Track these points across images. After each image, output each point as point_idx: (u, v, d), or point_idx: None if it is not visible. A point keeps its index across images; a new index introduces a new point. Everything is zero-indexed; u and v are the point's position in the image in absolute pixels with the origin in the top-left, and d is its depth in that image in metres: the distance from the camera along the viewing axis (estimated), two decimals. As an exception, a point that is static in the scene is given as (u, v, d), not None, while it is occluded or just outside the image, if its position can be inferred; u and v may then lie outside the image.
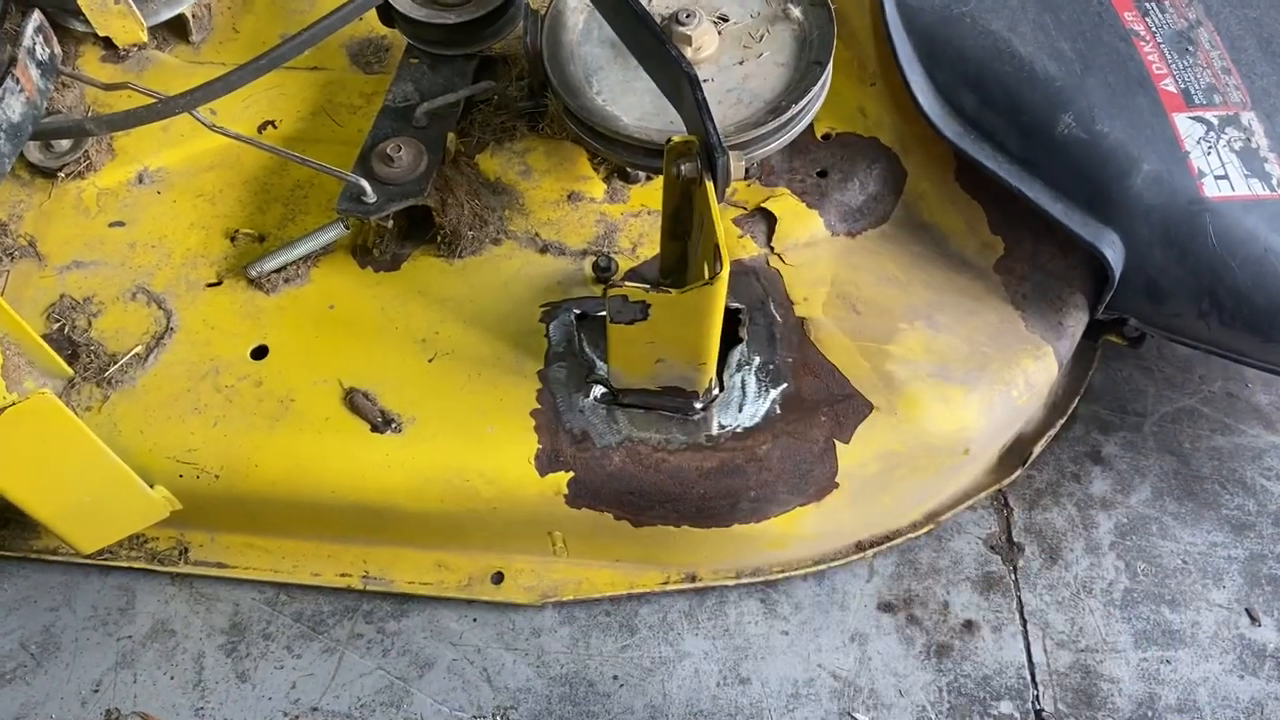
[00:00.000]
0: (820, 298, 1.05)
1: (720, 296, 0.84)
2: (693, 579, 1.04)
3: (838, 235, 1.11)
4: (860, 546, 1.05)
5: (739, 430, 0.97)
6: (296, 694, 1.00)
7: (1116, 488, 1.09)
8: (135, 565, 1.06)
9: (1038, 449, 1.10)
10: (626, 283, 0.85)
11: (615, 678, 0.99)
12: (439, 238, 1.08)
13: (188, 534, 1.08)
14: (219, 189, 1.14)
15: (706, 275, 0.83)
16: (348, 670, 1.01)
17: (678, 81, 0.91)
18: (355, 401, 0.99)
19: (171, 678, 1.01)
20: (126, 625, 1.04)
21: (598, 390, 0.99)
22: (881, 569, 1.05)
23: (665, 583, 1.04)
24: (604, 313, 1.02)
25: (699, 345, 0.90)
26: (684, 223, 0.95)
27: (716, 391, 0.98)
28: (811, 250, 1.09)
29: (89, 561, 1.05)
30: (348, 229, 1.06)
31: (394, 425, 0.98)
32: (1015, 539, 1.06)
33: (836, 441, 0.97)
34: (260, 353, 1.03)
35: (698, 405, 0.97)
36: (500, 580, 1.05)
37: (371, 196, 1.02)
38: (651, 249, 1.08)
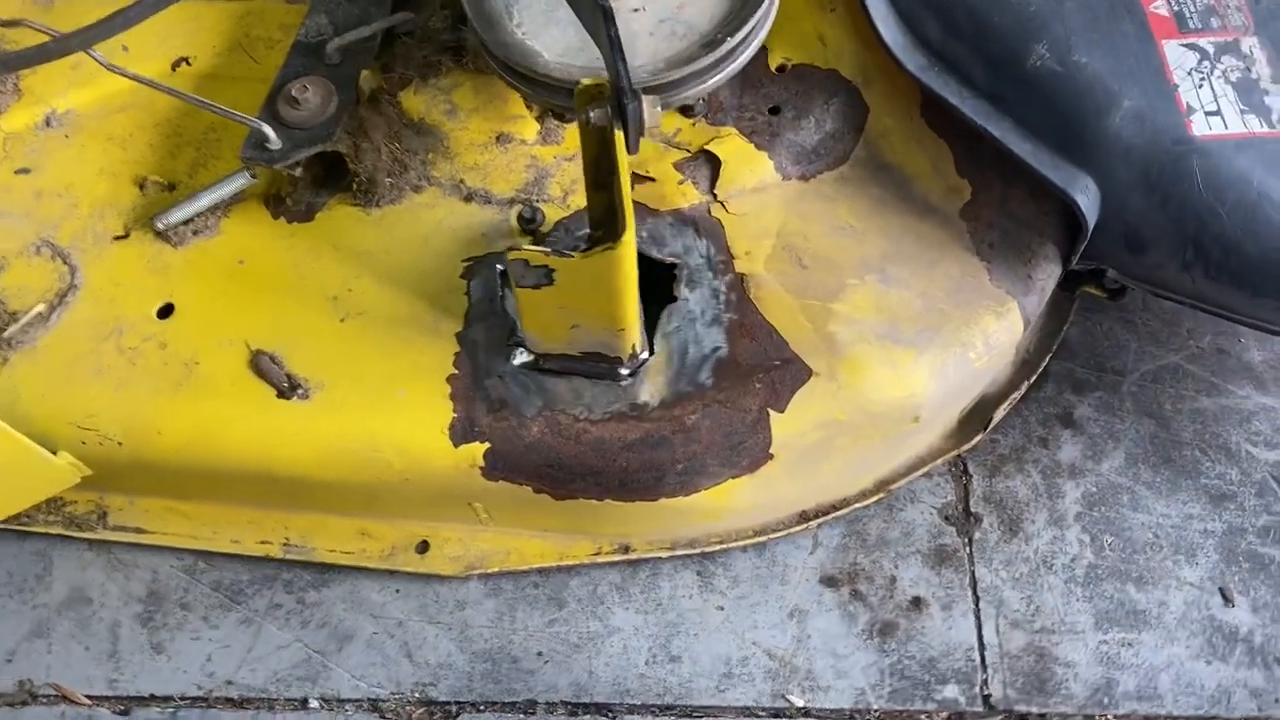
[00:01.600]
0: (764, 251, 0.97)
1: (626, 261, 0.77)
2: (625, 550, 0.98)
3: (789, 179, 1.02)
4: (804, 516, 0.99)
5: (667, 398, 0.90)
6: (212, 666, 0.96)
7: (1087, 454, 1.01)
8: (52, 531, 1.02)
9: (1001, 412, 1.01)
10: (525, 245, 0.78)
11: (540, 654, 0.95)
12: (354, 185, 1.00)
13: (107, 497, 1.03)
14: (130, 132, 1.07)
15: (613, 238, 0.75)
16: (265, 642, 0.97)
17: (593, 12, 0.82)
18: (261, 365, 0.93)
19: (87, 648, 0.98)
20: (43, 593, 1.00)
21: (519, 354, 0.92)
22: (826, 540, 0.98)
23: (597, 554, 0.98)
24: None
25: (613, 311, 0.82)
26: (605, 173, 0.87)
27: (646, 356, 0.91)
28: (759, 197, 1.01)
29: (5, 527, 1.01)
30: (254, 178, 0.99)
31: (300, 391, 0.92)
32: (973, 509, 0.99)
33: (771, 410, 0.89)
34: (166, 311, 0.97)
35: (624, 371, 0.90)
36: (425, 550, 0.99)
37: (276, 143, 0.95)
38: (583, 197, 0.99)
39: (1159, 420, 1.03)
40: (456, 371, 0.92)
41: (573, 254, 0.77)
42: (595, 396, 0.90)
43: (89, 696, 0.96)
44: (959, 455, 1.01)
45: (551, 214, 0.99)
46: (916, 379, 0.91)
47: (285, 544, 1.01)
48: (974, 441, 1.01)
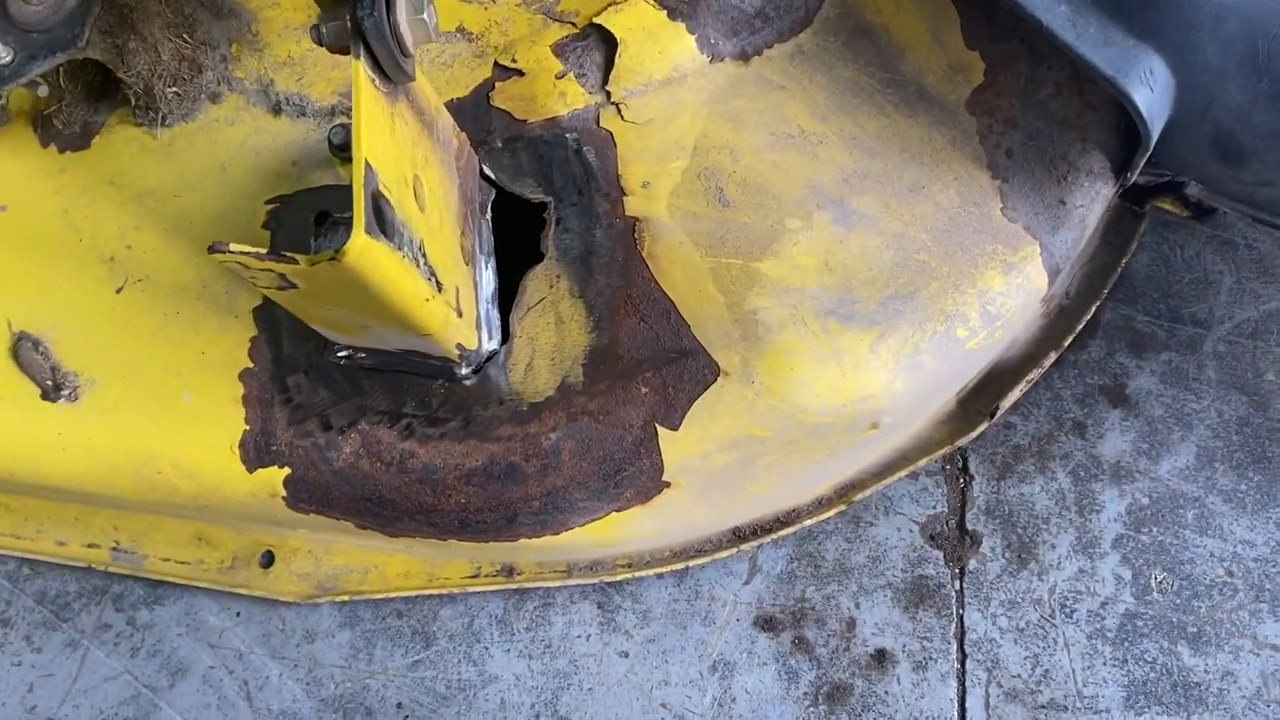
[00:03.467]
0: (670, 179, 0.68)
1: (374, 273, 0.51)
2: (510, 573, 0.76)
3: (720, 60, 0.71)
4: (738, 535, 0.74)
5: (520, 407, 0.65)
6: (34, 699, 0.81)
7: (1141, 446, 0.72)
8: None
9: (1015, 394, 0.72)
10: (233, 245, 0.52)
11: (399, 705, 0.75)
12: (132, 100, 0.75)
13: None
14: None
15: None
16: (91, 672, 0.81)
17: None
18: (22, 355, 0.72)
19: (-106, 670, 0.84)
20: None
21: (340, 346, 0.68)
22: (768, 565, 0.74)
23: (475, 576, 0.77)
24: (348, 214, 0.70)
25: (398, 318, 0.57)
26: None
27: (492, 346, 0.66)
28: (672, 94, 0.70)
29: None
30: (1, 101, 0.74)
31: (67, 391, 0.71)
32: (969, 526, 0.72)
33: (660, 427, 0.64)
34: (-82, 278, 0.76)
35: (462, 371, 0.65)
36: (270, 563, 0.80)
37: (4, 54, 0.69)
38: (429, 103, 0.72)
39: (1253, 397, 0.72)
40: (252, 364, 0.69)
41: (297, 259, 0.51)
42: (425, 403, 0.66)
43: (-105, 732, 0.82)
44: (957, 449, 0.73)
45: (383, 133, 0.72)
46: (873, 375, 0.63)
47: (114, 549, 0.83)
48: (977, 431, 0.72)
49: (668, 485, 0.66)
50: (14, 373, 0.73)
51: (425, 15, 0.51)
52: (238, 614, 0.80)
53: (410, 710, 0.75)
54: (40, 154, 0.77)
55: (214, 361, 0.70)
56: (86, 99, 0.77)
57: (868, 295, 0.64)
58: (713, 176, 0.68)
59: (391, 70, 0.52)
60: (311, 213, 0.70)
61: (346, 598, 0.77)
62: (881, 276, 0.65)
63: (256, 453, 0.68)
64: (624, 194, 0.68)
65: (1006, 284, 0.65)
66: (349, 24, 0.50)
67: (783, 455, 0.66)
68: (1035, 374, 0.72)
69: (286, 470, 0.68)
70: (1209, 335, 0.74)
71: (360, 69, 0.51)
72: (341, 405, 0.67)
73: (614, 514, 0.67)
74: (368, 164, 0.51)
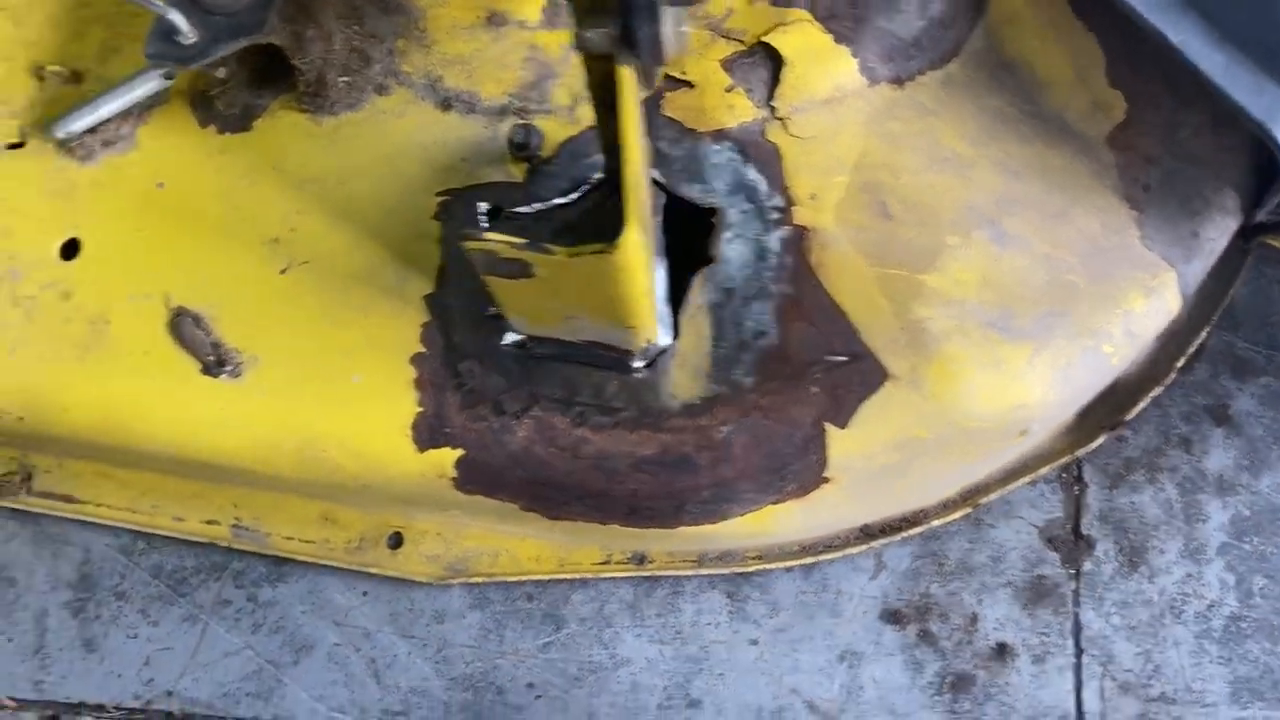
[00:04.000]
0: (836, 193, 0.72)
1: (631, 265, 0.54)
2: (641, 561, 0.79)
3: (877, 84, 0.76)
4: (866, 533, 0.78)
5: (693, 401, 0.69)
6: (150, 672, 0.82)
7: (1243, 462, 0.78)
8: (-32, 496, 0.87)
9: (1139, 407, 0.78)
10: (487, 231, 0.55)
11: (531, 685, 0.78)
12: (300, 86, 0.77)
13: (31, 455, 0.87)
14: (24, 1, 0.84)
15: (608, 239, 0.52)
16: (211, 646, 0.82)
17: None
18: (183, 330, 0.73)
19: (10, 639, 0.83)
20: (-40, 569, 0.86)
21: (510, 334, 0.70)
22: (893, 562, 0.78)
23: (605, 563, 0.80)
24: (527, 208, 0.73)
25: (618, 312, 0.60)
26: (607, 108, 0.63)
27: (667, 341, 0.69)
28: (833, 112, 0.75)
29: (-86, 488, 0.86)
30: (170, 79, 0.76)
31: (229, 367, 0.72)
32: (1084, 531, 0.78)
33: (829, 425, 0.68)
34: (71, 249, 0.77)
35: (637, 363, 0.69)
36: (398, 544, 0.82)
37: (190, 35, 0.71)
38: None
39: (1344, 421, 0.79)
40: (424, 350, 0.71)
41: (555, 250, 0.54)
42: (599, 393, 0.69)
43: (12, 699, 0.82)
44: (1075, 459, 0.79)
45: (554, 132, 0.75)
46: (1029, 385, 0.68)
47: (235, 525, 0.84)
48: (1097, 442, 0.78)
49: (826, 480, 0.69)
50: (171, 347, 0.74)
51: (684, 29, 0.55)
52: (364, 593, 0.82)
53: (542, 690, 0.78)
54: (199, 133, 0.79)
55: (384, 345, 0.72)
56: (250, 82, 0.78)
57: (1024, 310, 0.69)
58: (875, 192, 0.72)
59: (646, 79, 0.56)
60: (479, 209, 0.74)
61: (480, 579, 0.80)
62: (1035, 294, 0.69)
63: (430, 434, 0.70)
64: (792, 204, 0.72)
65: (1147, 306, 0.70)
66: (619, 33, 0.54)
67: (936, 457, 0.71)
68: (1157, 391, 0.77)
69: (460, 452, 0.70)
70: (1305, 363, 0.80)
71: (627, 74, 0.54)
72: (514, 392, 0.70)
73: (770, 506, 0.71)
74: (637, 162, 0.54)
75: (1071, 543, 0.77)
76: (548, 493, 0.70)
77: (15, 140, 0.80)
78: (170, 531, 0.85)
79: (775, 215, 0.71)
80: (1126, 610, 0.76)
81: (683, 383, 0.69)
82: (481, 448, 0.70)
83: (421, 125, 0.77)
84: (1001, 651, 0.75)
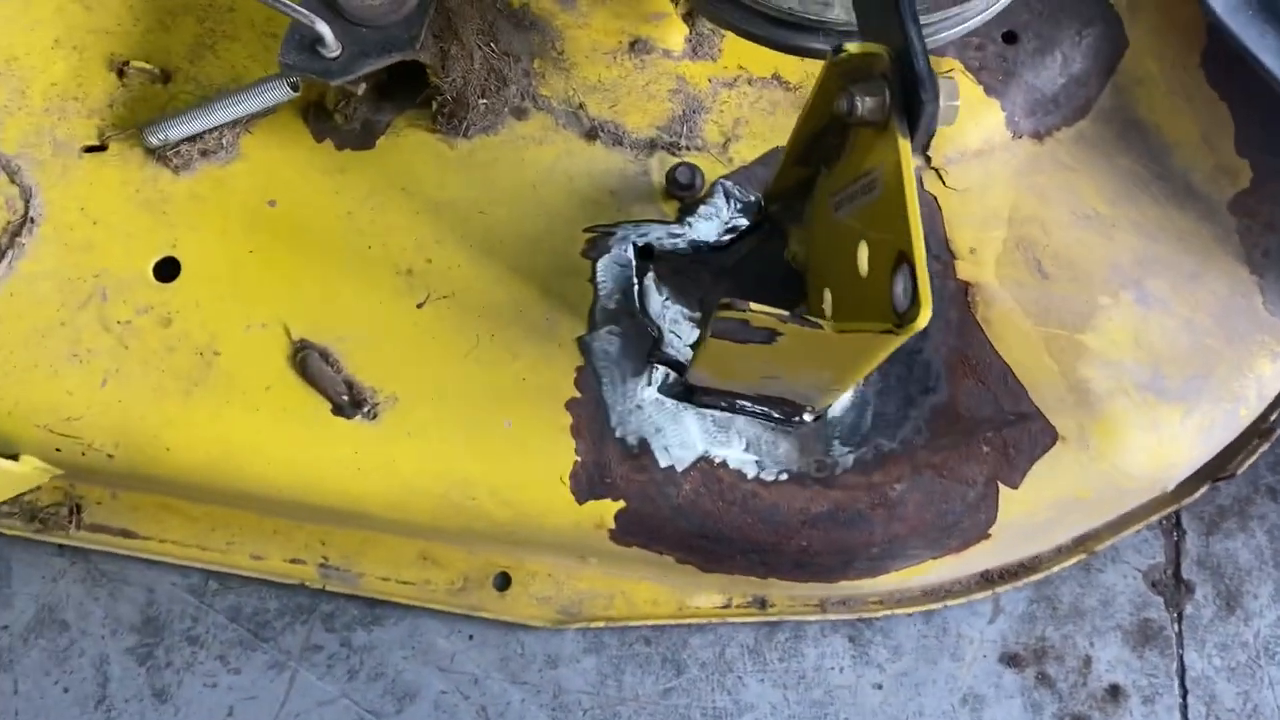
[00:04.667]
0: (994, 248, 0.73)
1: (897, 345, 0.52)
2: (762, 605, 0.78)
3: (1020, 138, 0.77)
4: (987, 579, 0.80)
5: (865, 457, 0.68)
6: (234, 724, 0.76)
7: (1323, 511, 0.84)
8: (8, 531, 0.78)
9: (1250, 462, 0.81)
10: (752, 305, 0.53)
11: (654, 733, 0.77)
12: (435, 106, 0.71)
13: (80, 486, 0.79)
14: (98, -16, 0.75)
15: (895, 313, 0.50)
16: (302, 695, 0.77)
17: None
18: (309, 366, 0.68)
19: (65, 689, 0.76)
20: (2, 611, 0.77)
21: (659, 372, 0.68)
22: (1010, 607, 0.80)
23: (726, 606, 0.79)
24: (681, 248, 0.71)
25: (839, 380, 0.59)
26: (826, 150, 0.61)
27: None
28: (983, 164, 0.75)
29: (-57, 522, 0.77)
30: (296, 91, 0.69)
31: (365, 408, 0.67)
32: (1184, 575, 0.81)
33: (1001, 485, 0.68)
34: (168, 270, 0.70)
35: (807, 418, 0.67)
36: (505, 585, 0.78)
37: (333, 46, 0.65)
38: (753, 146, 0.73)
39: None
40: (579, 395, 0.68)
41: (822, 325, 0.52)
42: (768, 447, 0.68)
43: (74, 756, 0.75)
44: (1181, 508, 0.82)
45: (708, 169, 0.72)
46: (1182, 446, 0.71)
47: (323, 565, 0.78)
48: (1200, 493, 0.81)
49: (988, 538, 0.70)
50: (297, 385, 0.68)
51: (956, 102, 0.53)
52: (470, 637, 0.78)
53: (666, 738, 0.76)
54: (314, 149, 0.72)
55: (537, 389, 0.68)
56: (374, 97, 0.72)
57: (1173, 373, 0.71)
58: (1029, 248, 0.73)
59: (921, 147, 0.54)
60: (634, 245, 0.71)
61: (600, 624, 0.77)
62: (1182, 356, 0.72)
63: (589, 484, 0.67)
64: (954, 257, 0.72)
65: (1274, 370, 0.74)
66: (892, 99, 0.52)
67: (1090, 515, 0.72)
68: (1264, 448, 0.81)
69: (621, 504, 0.67)
70: (1372, 418, 0.86)
71: (907, 148, 0.52)
72: (681, 441, 0.67)
73: (930, 561, 0.71)
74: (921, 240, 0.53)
75: (1173, 587, 0.81)
76: (710, 546, 0.68)
77: (94, 143, 0.72)
78: (249, 571, 0.78)
79: (938, 268, 0.71)
80: (1225, 652, 0.80)
81: (852, 440, 0.68)
82: (645, 500, 0.67)
83: (565, 153, 0.73)
84: (1114, 693, 0.78)
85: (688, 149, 0.73)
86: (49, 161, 0.71)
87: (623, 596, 0.79)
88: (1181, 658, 0.79)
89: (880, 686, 0.78)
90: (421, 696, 0.77)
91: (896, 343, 0.51)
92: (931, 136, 0.54)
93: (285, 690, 0.77)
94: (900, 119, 0.52)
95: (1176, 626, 0.80)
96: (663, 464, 0.67)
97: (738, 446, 0.68)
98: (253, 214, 0.71)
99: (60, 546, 0.79)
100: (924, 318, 0.51)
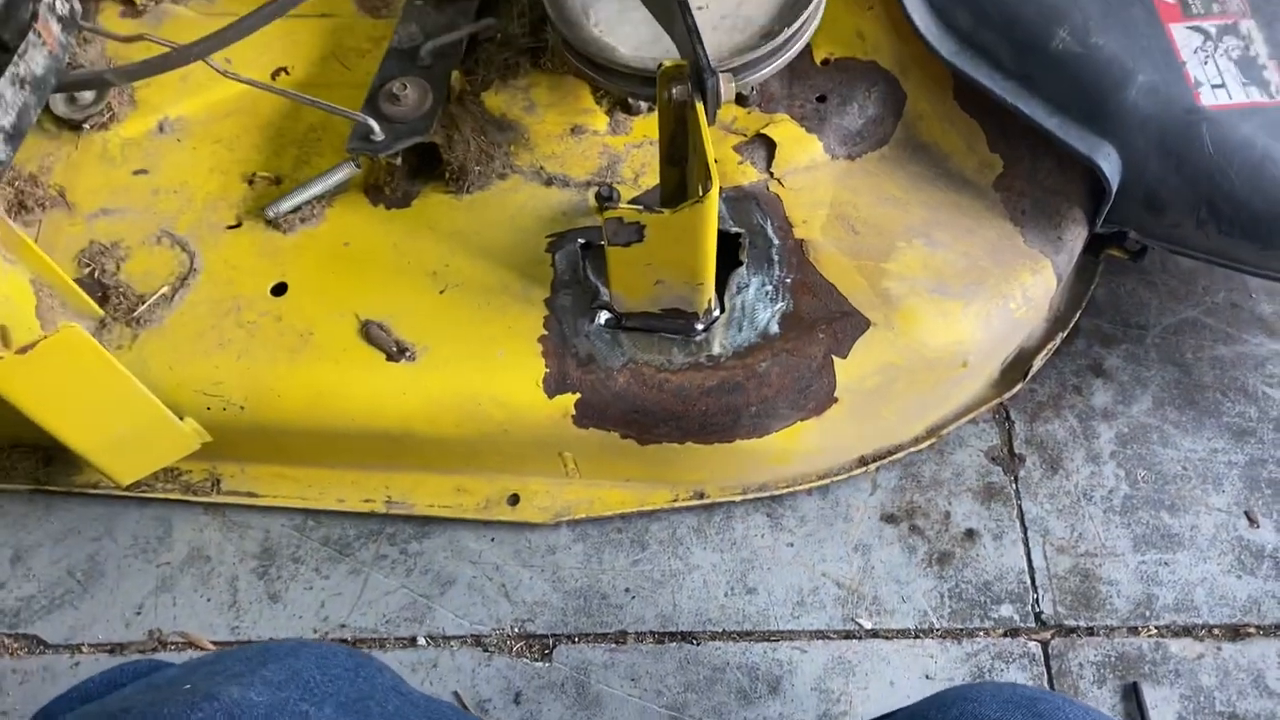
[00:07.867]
0: (819, 220, 1.08)
1: (712, 214, 0.87)
2: (701, 496, 1.08)
3: (837, 159, 1.13)
4: (863, 461, 1.08)
5: (740, 349, 1.00)
6: (325, 612, 1.05)
7: (1118, 399, 1.11)
8: (171, 496, 1.12)
9: (1038, 362, 1.11)
10: (622, 204, 0.88)
11: (627, 590, 1.04)
12: (447, 174, 1.11)
13: (219, 466, 1.13)
14: (236, 135, 1.18)
15: (700, 194, 0.85)
16: (373, 589, 1.06)
17: (669, 6, 0.93)
18: (371, 332, 1.03)
19: (208, 600, 1.06)
20: (165, 552, 1.09)
21: (602, 316, 1.02)
22: (884, 482, 1.08)
23: (674, 500, 1.08)
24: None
25: (695, 265, 0.92)
26: (680, 148, 0.98)
27: (717, 313, 1.01)
28: (811, 174, 1.11)
29: (128, 494, 1.11)
30: (359, 168, 1.10)
31: (408, 354, 1.02)
32: (1016, 450, 1.09)
33: (834, 357, 0.99)
34: (279, 289, 1.07)
35: (699, 327, 1.00)
36: (516, 502, 1.09)
37: (380, 135, 1.06)
38: (653, 178, 1.11)
39: (1181, 368, 1.13)
40: (546, 333, 1.02)
41: (664, 210, 0.87)
42: (674, 349, 1.00)
43: (213, 642, 1.04)
44: (1001, 403, 1.11)
45: (625, 193, 1.10)
46: (965, 327, 1.01)
47: (388, 500, 1.10)
48: (1015, 390, 1.11)
49: (836, 400, 1.00)
50: (363, 346, 1.03)
51: (732, 85, 0.90)
52: (492, 539, 1.08)
53: (636, 592, 1.03)
54: (371, 211, 1.12)
55: (518, 332, 1.02)
56: (408, 175, 1.13)
57: (954, 283, 1.03)
58: (844, 219, 1.07)
59: (712, 115, 0.91)
60: (579, 243, 1.07)
61: (582, 516, 1.07)
62: (960, 273, 1.04)
63: (556, 385, 0.99)
64: (792, 226, 1.06)
65: (1034, 280, 1.04)
66: (692, 86, 0.89)
67: (908, 383, 1.02)
68: (1047, 352, 1.11)
69: (577, 395, 0.99)
70: (1148, 334, 1.15)
71: (701, 109, 0.89)
72: (614, 353, 1.00)
73: (798, 422, 1.01)
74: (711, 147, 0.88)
75: (1008, 459, 1.08)
76: (641, 419, 0.99)
77: (234, 222, 1.12)
78: (335, 508, 1.10)
79: (782, 234, 1.06)
80: (1054, 500, 1.05)
81: (730, 339, 1.01)
82: (593, 390, 0.99)
83: (532, 196, 1.11)
84: (970, 535, 1.04)
85: (610, 183, 1.11)
86: (206, 236, 1.11)
87: (599, 500, 1.08)
88: (1020, 506, 1.05)
89: (792, 545, 1.05)
90: (458, 581, 1.06)
91: (706, 210, 0.85)
92: (718, 104, 0.90)
93: (361, 587, 1.06)
94: (697, 97, 0.89)
95: (1014, 486, 1.07)
96: (604, 367, 1.00)
97: (654, 351, 1.00)
98: (333, 251, 1.09)
99: (205, 506, 1.12)
100: (713, 191, 0.85)
